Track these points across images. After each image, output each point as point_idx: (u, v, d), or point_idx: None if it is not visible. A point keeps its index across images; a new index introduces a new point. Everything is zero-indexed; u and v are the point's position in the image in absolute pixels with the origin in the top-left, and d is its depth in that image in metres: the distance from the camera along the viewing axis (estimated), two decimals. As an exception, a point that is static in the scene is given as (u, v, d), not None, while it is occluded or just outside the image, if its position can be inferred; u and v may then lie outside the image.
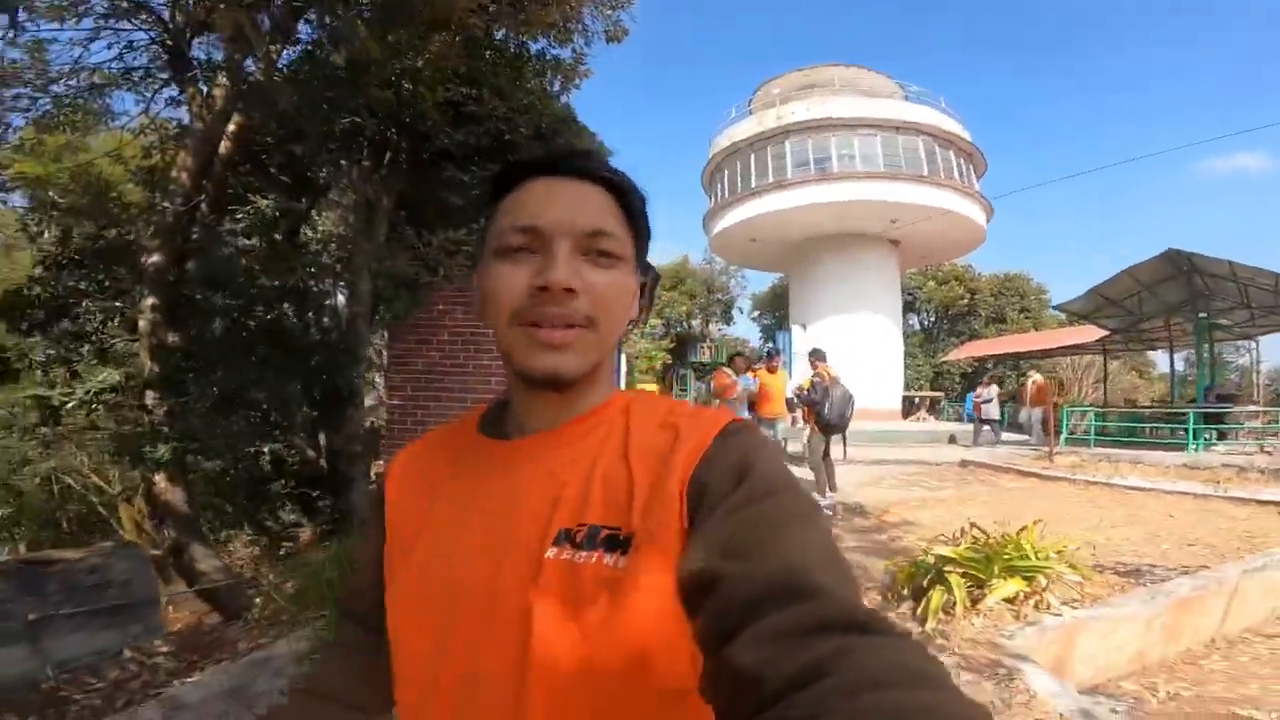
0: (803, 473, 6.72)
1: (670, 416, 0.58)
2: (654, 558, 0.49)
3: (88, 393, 5.89)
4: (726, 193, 21.42)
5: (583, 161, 0.60)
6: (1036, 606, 3.30)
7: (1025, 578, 3.25)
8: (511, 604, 0.51)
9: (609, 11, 6.81)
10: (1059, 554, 3.53)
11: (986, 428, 13.84)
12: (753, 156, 20.63)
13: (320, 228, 8.13)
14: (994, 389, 14.30)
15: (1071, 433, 12.57)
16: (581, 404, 0.61)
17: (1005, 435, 14.69)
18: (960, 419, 18.91)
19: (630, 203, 0.61)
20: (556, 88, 7.10)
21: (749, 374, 7.82)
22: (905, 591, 3.57)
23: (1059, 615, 3.27)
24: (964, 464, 10.62)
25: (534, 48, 6.72)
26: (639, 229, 0.62)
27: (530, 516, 0.54)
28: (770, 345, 16.75)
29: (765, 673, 0.36)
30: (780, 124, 20.06)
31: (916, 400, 22.97)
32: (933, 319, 32.38)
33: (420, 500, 0.63)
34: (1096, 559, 4.21)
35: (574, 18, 6.55)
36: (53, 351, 6.59)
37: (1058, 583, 3.38)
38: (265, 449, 6.51)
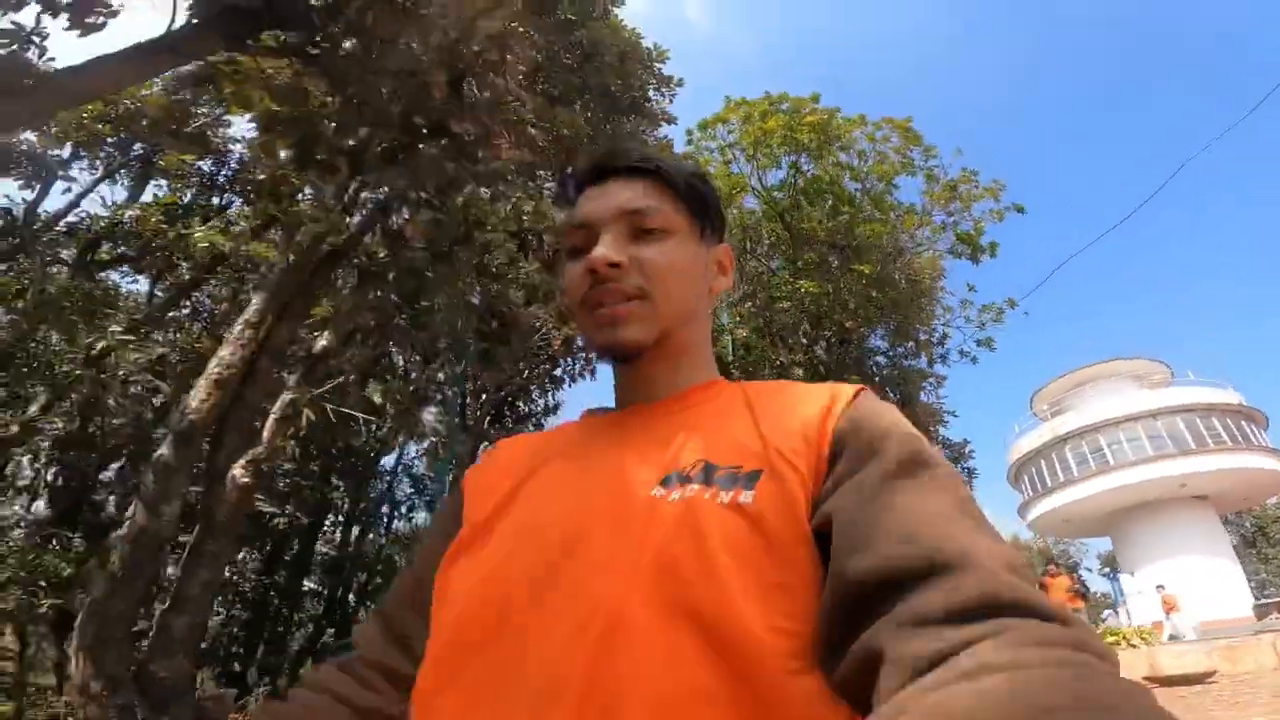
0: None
1: (795, 385, 0.60)
2: (786, 493, 0.48)
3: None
4: (1030, 491, 26.41)
5: (623, 160, 0.65)
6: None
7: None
8: (602, 544, 0.50)
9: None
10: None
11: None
12: (1042, 461, 25.10)
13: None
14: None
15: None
16: (681, 379, 0.64)
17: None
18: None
19: (674, 181, 0.64)
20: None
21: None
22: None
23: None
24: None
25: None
26: (693, 204, 0.65)
27: (635, 466, 0.55)
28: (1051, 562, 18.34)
29: (905, 656, 0.34)
30: (1055, 435, 24.55)
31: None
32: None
33: (517, 473, 0.61)
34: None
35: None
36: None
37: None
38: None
